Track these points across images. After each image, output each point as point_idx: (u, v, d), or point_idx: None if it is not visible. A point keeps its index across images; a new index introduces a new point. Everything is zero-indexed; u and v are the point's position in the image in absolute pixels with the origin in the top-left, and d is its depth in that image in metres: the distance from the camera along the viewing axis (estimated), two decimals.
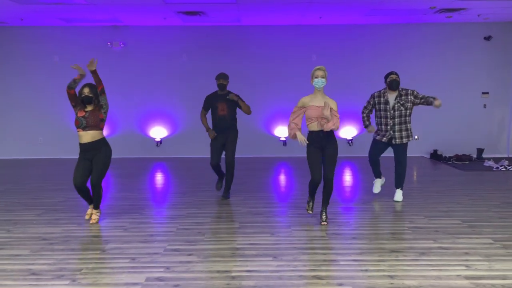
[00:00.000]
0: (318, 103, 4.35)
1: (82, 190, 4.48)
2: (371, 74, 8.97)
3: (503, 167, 7.61)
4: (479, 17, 8.34)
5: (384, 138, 5.25)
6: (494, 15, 8.21)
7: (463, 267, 3.33)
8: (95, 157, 4.46)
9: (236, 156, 8.20)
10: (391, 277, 3.17)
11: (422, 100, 5.18)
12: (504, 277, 3.15)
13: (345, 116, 9.06)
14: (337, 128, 4.33)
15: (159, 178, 7.21)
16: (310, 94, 4.47)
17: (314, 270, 3.30)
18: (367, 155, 5.53)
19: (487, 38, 8.97)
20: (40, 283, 3.12)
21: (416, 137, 9.11)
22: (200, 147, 9.10)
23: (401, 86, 5.38)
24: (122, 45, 9.01)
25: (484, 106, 9.20)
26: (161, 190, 6.30)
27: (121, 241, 3.99)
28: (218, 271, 3.30)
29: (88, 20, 8.38)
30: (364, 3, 7.15)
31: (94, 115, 4.42)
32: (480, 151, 8.78)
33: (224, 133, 5.50)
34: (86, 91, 4.40)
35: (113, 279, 3.18)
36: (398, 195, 5.37)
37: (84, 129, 4.40)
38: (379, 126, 5.32)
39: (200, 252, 3.70)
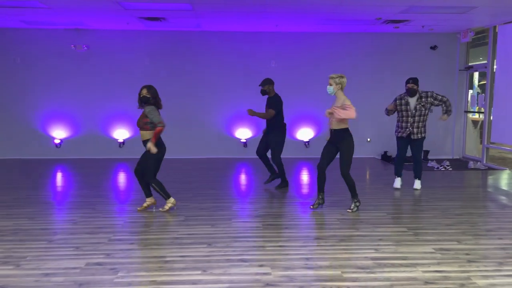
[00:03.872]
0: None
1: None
2: (326, 79, 9.46)
3: (442, 167, 8.21)
4: (424, 28, 8.96)
5: (404, 134, 6.13)
6: (438, 26, 8.84)
7: (373, 251, 3.77)
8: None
9: (197, 156, 8.43)
10: (307, 259, 3.58)
11: (441, 103, 6.22)
12: (404, 258, 3.60)
13: (302, 119, 9.52)
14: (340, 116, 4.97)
15: (119, 177, 7.45)
16: None
17: (241, 255, 3.67)
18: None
19: (433, 48, 9.60)
20: None
21: (368, 139, 9.66)
22: None
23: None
24: (85, 48, 9.21)
25: (431, 111, 9.80)
26: (117, 188, 6.55)
27: (68, 233, 4.27)
28: (154, 257, 3.64)
29: (50, 23, 8.56)
30: (316, 13, 7.61)
31: (141, 119, 4.84)
32: (426, 152, 9.38)
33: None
34: (144, 92, 4.81)
35: (54, 264, 3.47)
36: (417, 183, 6.35)
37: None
38: (400, 124, 6.19)
39: (142, 241, 4.02)
